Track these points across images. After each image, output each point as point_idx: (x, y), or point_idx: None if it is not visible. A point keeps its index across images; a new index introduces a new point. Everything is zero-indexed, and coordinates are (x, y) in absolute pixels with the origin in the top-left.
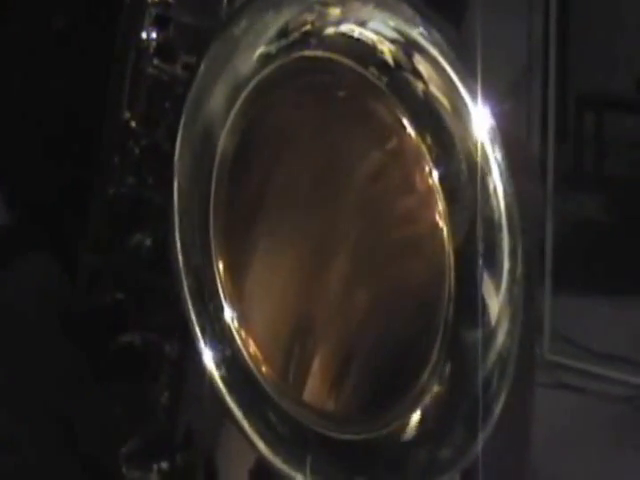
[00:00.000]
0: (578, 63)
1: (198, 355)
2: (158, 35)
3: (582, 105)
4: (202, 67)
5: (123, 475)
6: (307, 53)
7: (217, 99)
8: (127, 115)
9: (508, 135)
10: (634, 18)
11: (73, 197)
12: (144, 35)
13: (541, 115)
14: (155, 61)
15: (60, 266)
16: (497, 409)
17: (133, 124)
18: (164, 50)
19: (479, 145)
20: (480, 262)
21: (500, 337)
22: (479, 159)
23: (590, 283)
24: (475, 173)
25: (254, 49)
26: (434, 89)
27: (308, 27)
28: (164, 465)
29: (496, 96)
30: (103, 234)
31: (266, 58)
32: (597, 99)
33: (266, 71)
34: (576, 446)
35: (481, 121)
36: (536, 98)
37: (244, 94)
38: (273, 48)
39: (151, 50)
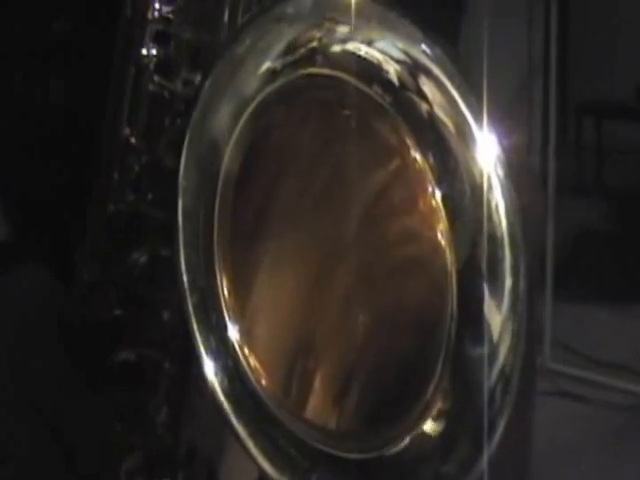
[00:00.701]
0: (578, 71)
1: (201, 371)
2: (158, 51)
3: (582, 113)
4: (206, 86)
5: None
6: (313, 70)
7: (222, 116)
8: (127, 131)
9: (510, 148)
10: (634, 26)
11: (71, 210)
12: (144, 51)
13: (542, 122)
14: (155, 77)
15: (57, 280)
16: (501, 424)
17: (133, 140)
18: (164, 66)
19: (484, 170)
20: (481, 276)
21: (502, 353)
22: (485, 185)
23: (590, 292)
24: (478, 193)
25: (259, 65)
26: (438, 110)
27: (315, 44)
28: None
29: (500, 117)
30: (101, 249)
31: (271, 74)
32: (597, 107)
33: (271, 87)
34: (577, 454)
35: (487, 147)
36: (537, 106)
37: (249, 111)
38: (279, 64)
39: (151, 66)
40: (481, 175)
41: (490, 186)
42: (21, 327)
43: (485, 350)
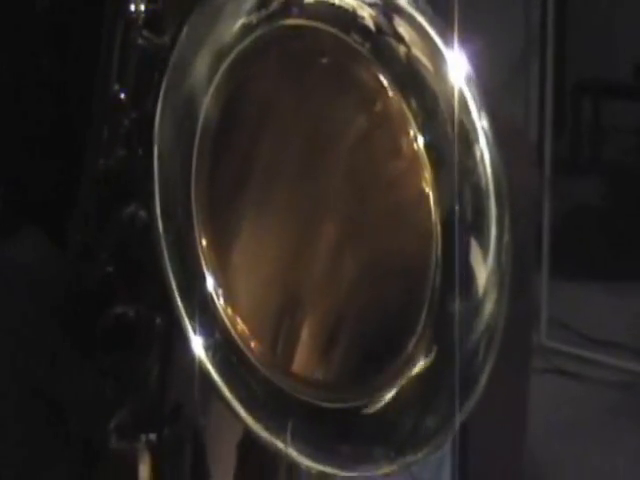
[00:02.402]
0: (576, 49)
1: (183, 329)
2: (147, 6)
3: (580, 91)
4: (183, 35)
5: (111, 447)
6: (288, 22)
7: (199, 67)
8: (116, 87)
9: (500, 116)
10: (632, 5)
11: (62, 170)
12: (132, 7)
13: (539, 101)
14: (144, 32)
15: (49, 240)
16: (483, 379)
17: (122, 96)
18: (153, 21)
19: (457, 93)
20: (465, 225)
21: (488, 306)
22: (457, 106)
23: (587, 269)
24: (461, 137)
25: (235, 19)
26: (416, 51)
27: None
28: (152, 437)
29: (474, 41)
30: (93, 207)
31: (247, 29)
32: (595, 85)
33: (247, 41)
34: (572, 432)
35: (458, 66)
36: (534, 84)
37: (226, 63)
38: (254, 18)
39: (140, 21)
40: (464, 123)
41: (475, 134)
42: (10, 288)
43: (469, 302)
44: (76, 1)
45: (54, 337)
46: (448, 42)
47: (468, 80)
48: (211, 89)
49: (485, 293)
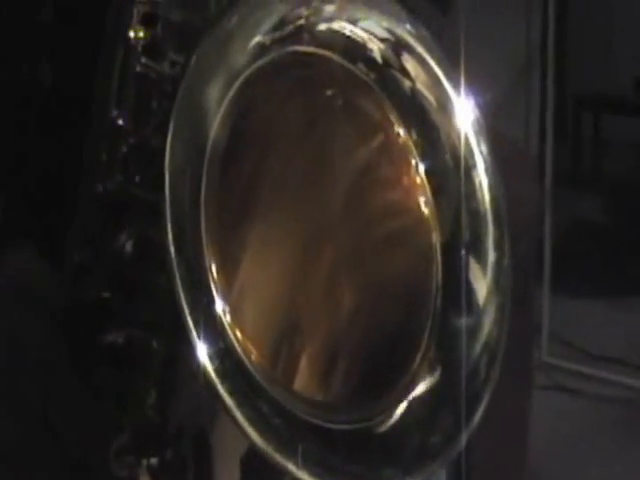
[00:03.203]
0: (577, 64)
1: (191, 347)
2: (146, 33)
3: (580, 106)
4: (193, 61)
5: (111, 472)
6: (299, 48)
7: (209, 92)
8: (115, 113)
9: (500, 134)
10: (633, 19)
11: (60, 193)
12: (132, 34)
13: (539, 115)
14: (143, 59)
15: (46, 262)
16: (485, 397)
17: (121, 122)
18: (152, 48)
19: (463, 137)
20: (466, 249)
21: (487, 325)
22: (462, 149)
23: (588, 285)
24: (461, 168)
25: (248, 40)
26: (421, 86)
27: (302, 22)
28: (153, 461)
29: (480, 87)
30: (90, 231)
31: (260, 49)
32: (596, 100)
33: (258, 63)
34: (573, 448)
35: (465, 113)
36: (535, 98)
37: (235, 86)
38: (268, 39)
39: (139, 48)
40: (464, 150)
41: (473, 160)
42: (5, 308)
43: (468, 318)
44: (76, 17)
45: (50, 358)
46: (452, 78)
47: (473, 121)
48: (220, 112)
49: (484, 312)
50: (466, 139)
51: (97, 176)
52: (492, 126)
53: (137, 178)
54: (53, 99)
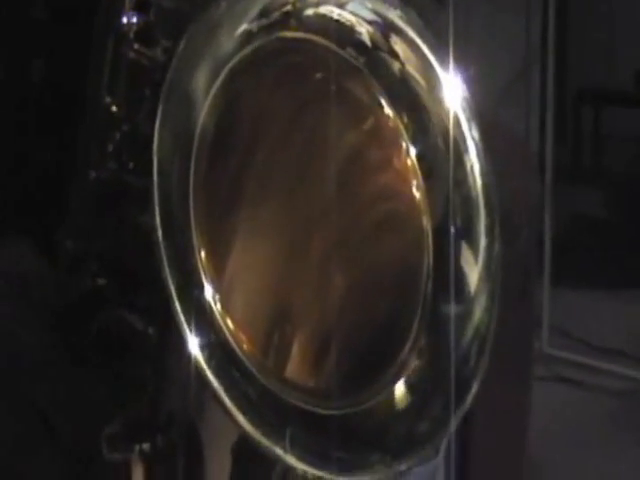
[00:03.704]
0: (577, 58)
1: (182, 336)
2: (138, 20)
3: (581, 99)
4: (182, 47)
5: (104, 458)
6: (287, 34)
7: (198, 79)
8: (108, 100)
9: (499, 126)
10: (633, 13)
11: (55, 185)
12: (124, 20)
13: (540, 110)
14: (135, 45)
15: (40, 253)
16: (475, 385)
17: (114, 108)
18: (144, 35)
19: (452, 119)
20: (457, 234)
21: (477, 312)
22: (452, 128)
23: (589, 277)
24: (452, 153)
25: (236, 27)
26: (410, 68)
27: (289, 7)
28: (145, 447)
29: (469, 65)
30: (83, 219)
31: (247, 36)
32: (596, 93)
33: (246, 50)
34: (573, 439)
35: (455, 96)
36: (535, 93)
37: (224, 73)
38: (254, 26)
39: (131, 35)
40: (456, 134)
41: (465, 145)
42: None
43: (458, 304)
44: (69, 12)
45: (43, 346)
46: (443, 61)
47: (461, 97)
48: (208, 100)
49: (475, 298)
50: (457, 123)
51: (90, 164)
52: (492, 118)
53: (130, 165)
54: (46, 91)
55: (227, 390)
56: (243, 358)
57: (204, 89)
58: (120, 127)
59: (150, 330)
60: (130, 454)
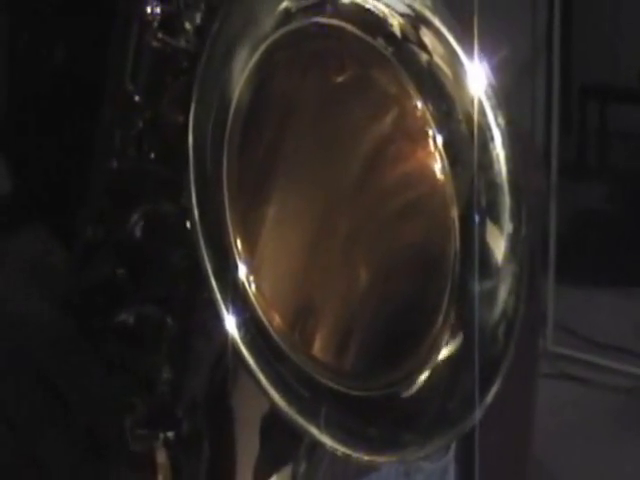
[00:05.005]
0: (582, 54)
1: (209, 320)
2: (163, 9)
3: (586, 96)
4: (218, 23)
5: (127, 447)
6: (321, 19)
7: (235, 56)
8: (130, 88)
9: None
10: (638, 9)
11: (71, 169)
12: (148, 9)
13: (545, 106)
14: (159, 34)
15: (59, 241)
16: (504, 366)
17: (136, 97)
18: (168, 23)
19: (477, 106)
20: (481, 217)
21: (503, 292)
22: (476, 115)
23: (593, 274)
24: (477, 136)
25: (277, 3)
26: (437, 59)
27: None
28: (170, 434)
29: (494, 52)
30: (102, 208)
31: (286, 15)
32: (601, 90)
33: (283, 30)
34: (579, 436)
35: (478, 78)
36: (540, 89)
37: (260, 51)
38: (294, 6)
39: (155, 24)
40: (480, 122)
41: (490, 133)
42: (18, 286)
43: (487, 285)
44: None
45: (62, 334)
46: (469, 53)
47: (486, 87)
48: (243, 78)
49: (502, 278)
50: (482, 111)
51: (111, 152)
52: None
53: (152, 154)
54: (67, 79)
55: (262, 369)
56: (276, 338)
57: (240, 69)
58: (142, 115)
59: (169, 319)
60: (154, 442)
